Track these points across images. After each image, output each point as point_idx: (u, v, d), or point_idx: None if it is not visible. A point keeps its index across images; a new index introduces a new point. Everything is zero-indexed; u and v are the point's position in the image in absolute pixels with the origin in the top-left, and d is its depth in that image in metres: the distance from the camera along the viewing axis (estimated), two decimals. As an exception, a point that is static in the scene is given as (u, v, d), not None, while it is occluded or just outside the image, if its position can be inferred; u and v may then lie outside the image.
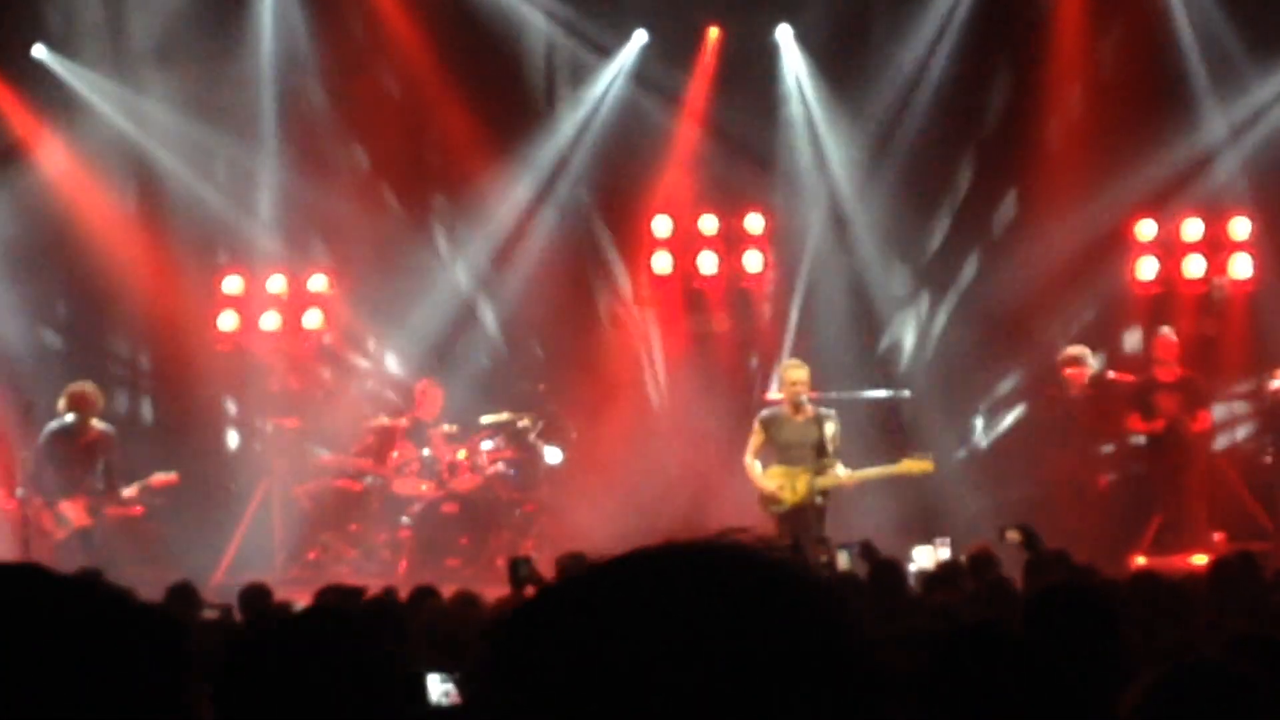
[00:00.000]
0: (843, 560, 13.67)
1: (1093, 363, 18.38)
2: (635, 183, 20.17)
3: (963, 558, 13.07)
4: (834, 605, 1.89)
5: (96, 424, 17.07)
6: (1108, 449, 19.09)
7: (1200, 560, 16.44)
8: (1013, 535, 11.54)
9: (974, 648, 4.32)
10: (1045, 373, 18.80)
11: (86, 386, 17.17)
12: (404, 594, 11.24)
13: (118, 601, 2.36)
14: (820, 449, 15.92)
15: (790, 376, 16.23)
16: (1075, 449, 18.60)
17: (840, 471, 15.95)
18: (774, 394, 17.52)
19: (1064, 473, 18.54)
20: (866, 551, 11.89)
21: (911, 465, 16.18)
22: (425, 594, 10.44)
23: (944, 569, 11.61)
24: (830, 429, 16.00)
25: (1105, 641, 5.94)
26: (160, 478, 17.42)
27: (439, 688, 6.69)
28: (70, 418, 16.93)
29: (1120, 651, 6.02)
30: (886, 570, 10.29)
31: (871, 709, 1.86)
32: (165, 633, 2.34)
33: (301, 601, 11.65)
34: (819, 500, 15.96)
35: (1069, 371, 18.26)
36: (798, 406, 16.05)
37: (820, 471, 15.89)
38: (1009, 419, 19.92)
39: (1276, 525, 18.09)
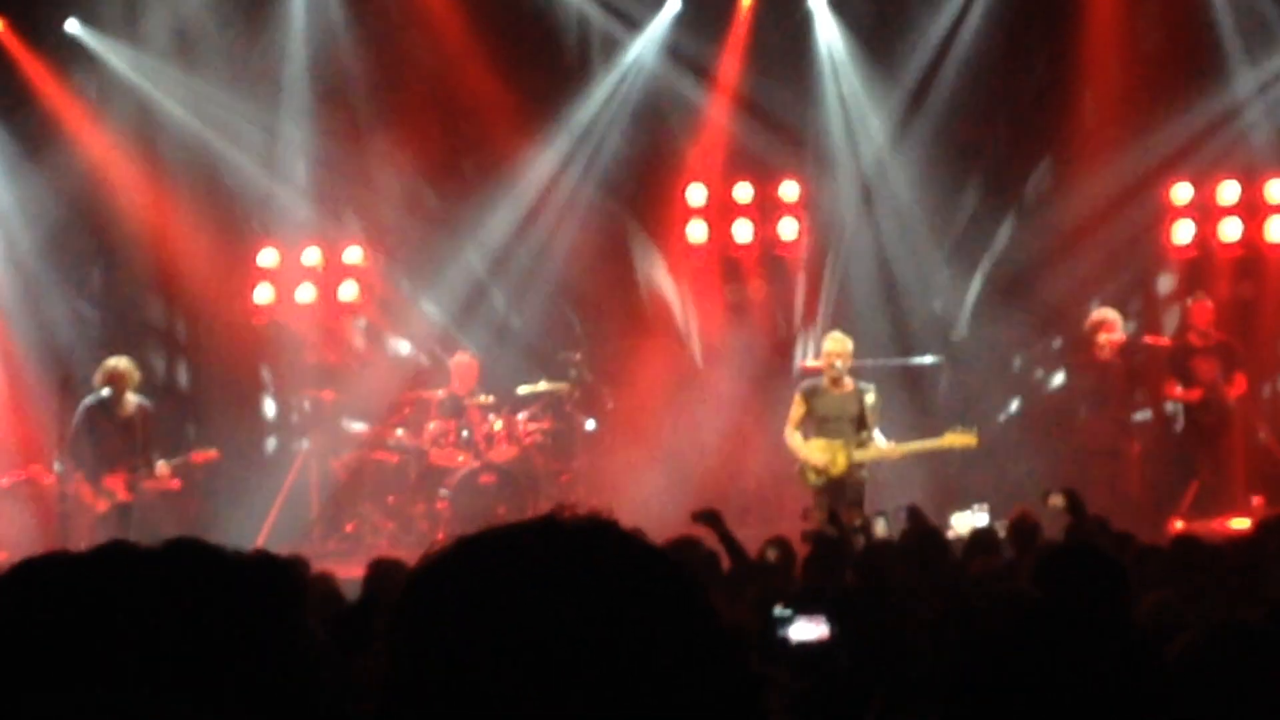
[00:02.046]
0: (880, 527, 13.68)
1: (1121, 324, 18.30)
2: (669, 151, 20.17)
3: (998, 525, 13.06)
4: (676, 581, 2.01)
5: (133, 398, 17.07)
6: (1144, 415, 19.04)
7: (1239, 524, 16.42)
8: (1056, 500, 11.49)
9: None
10: (1080, 338, 18.74)
11: (122, 361, 17.16)
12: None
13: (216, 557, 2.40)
14: (860, 422, 15.91)
15: (829, 349, 16.20)
16: (1111, 415, 18.53)
17: (882, 444, 15.94)
18: (812, 362, 17.48)
19: (1100, 439, 18.47)
20: (913, 517, 11.87)
21: (955, 439, 16.15)
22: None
23: (981, 536, 11.57)
24: (870, 401, 15.98)
25: (1115, 601, 5.94)
26: (201, 454, 17.45)
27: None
28: (106, 392, 16.92)
29: (1130, 610, 6.05)
30: (927, 538, 10.28)
31: (716, 673, 1.98)
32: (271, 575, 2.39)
33: (341, 574, 11.68)
34: (861, 473, 15.95)
35: (1101, 335, 18.19)
36: (837, 379, 16.02)
37: (861, 444, 15.88)
38: (1044, 385, 19.89)
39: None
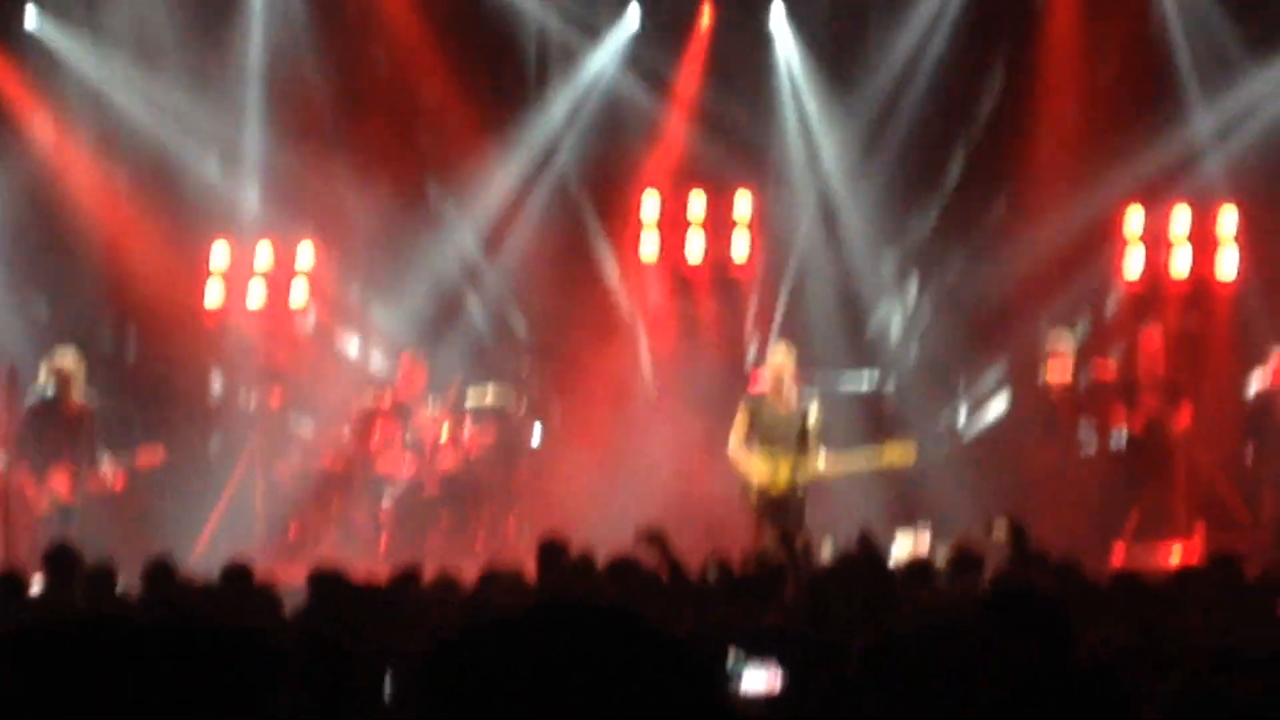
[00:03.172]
0: (826, 550, 13.66)
1: (1072, 352, 18.34)
2: (625, 164, 20.18)
3: (940, 549, 13.07)
4: (690, 668, 2.07)
5: (78, 397, 16.97)
6: (1089, 443, 19.08)
7: (1179, 551, 16.52)
8: (999, 530, 11.51)
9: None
10: (1028, 365, 18.79)
11: (68, 359, 17.03)
12: (385, 572, 11.28)
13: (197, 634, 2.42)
14: (803, 436, 15.92)
15: (775, 361, 16.23)
16: (1057, 442, 18.59)
17: (821, 462, 15.94)
18: (761, 377, 17.49)
19: (1045, 465, 18.53)
20: (862, 543, 11.84)
21: (892, 454, 16.19)
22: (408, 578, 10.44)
23: (917, 566, 11.50)
24: (813, 415, 15.99)
25: (1058, 643, 5.95)
26: (146, 455, 17.30)
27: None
28: (51, 390, 16.84)
29: (1073, 652, 6.07)
30: (869, 565, 10.27)
31: None
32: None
33: (282, 577, 11.64)
34: (799, 493, 15.95)
35: (1051, 360, 18.26)
36: (782, 391, 16.03)
37: (802, 458, 15.86)
38: (992, 410, 19.93)
39: (1255, 520, 18.09)
